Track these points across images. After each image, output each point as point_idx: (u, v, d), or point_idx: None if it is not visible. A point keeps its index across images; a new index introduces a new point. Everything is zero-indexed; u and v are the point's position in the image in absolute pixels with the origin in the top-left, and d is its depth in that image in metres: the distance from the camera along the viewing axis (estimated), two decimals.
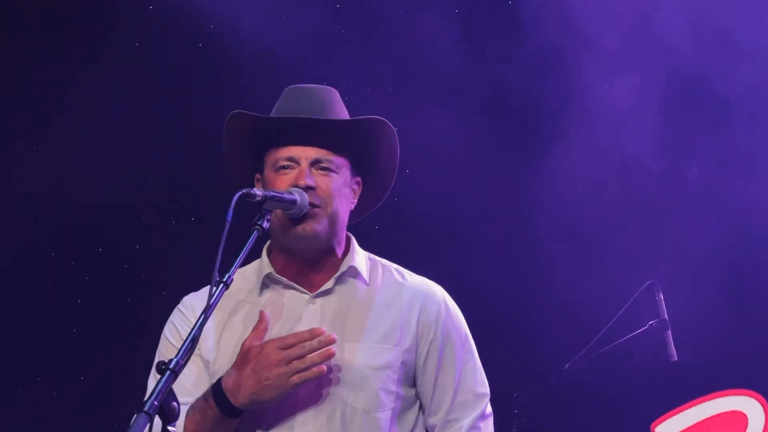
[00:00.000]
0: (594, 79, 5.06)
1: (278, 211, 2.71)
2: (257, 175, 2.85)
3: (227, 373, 2.66)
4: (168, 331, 2.86)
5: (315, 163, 2.77)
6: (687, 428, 4.33)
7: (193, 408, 2.69)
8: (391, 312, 2.83)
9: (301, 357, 2.61)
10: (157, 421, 2.29)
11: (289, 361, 2.61)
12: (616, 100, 5.06)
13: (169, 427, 2.31)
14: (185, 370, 2.38)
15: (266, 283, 2.84)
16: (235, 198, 2.54)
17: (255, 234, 2.59)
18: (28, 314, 5.18)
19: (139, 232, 5.22)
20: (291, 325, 2.77)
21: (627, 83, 5.05)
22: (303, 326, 2.73)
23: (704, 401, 4.34)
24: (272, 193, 2.66)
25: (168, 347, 2.82)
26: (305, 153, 2.78)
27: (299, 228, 2.74)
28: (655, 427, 4.36)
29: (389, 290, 2.87)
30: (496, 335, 4.82)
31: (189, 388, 2.74)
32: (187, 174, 5.14)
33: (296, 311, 2.79)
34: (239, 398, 2.63)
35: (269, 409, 2.71)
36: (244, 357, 2.64)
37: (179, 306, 2.89)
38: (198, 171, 5.07)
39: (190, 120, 5.11)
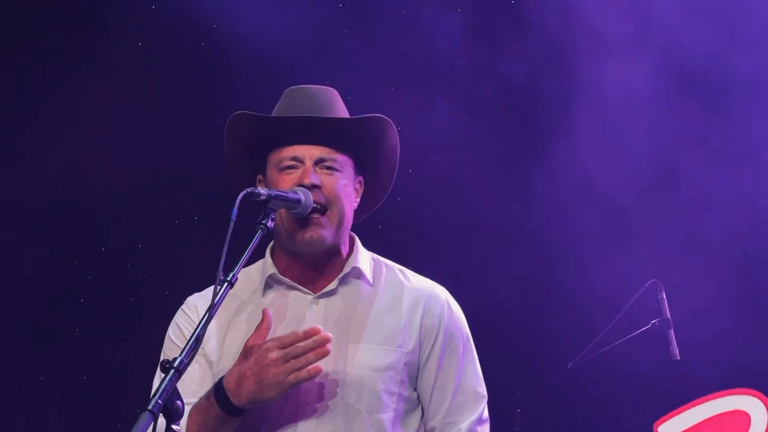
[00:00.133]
0: (597, 74, 5.05)
1: (282, 211, 2.71)
2: (259, 176, 2.85)
3: (229, 372, 2.66)
4: (172, 331, 2.86)
5: (319, 162, 2.77)
6: (690, 428, 4.32)
7: (195, 407, 2.69)
8: (394, 313, 2.83)
9: (297, 356, 2.61)
10: (161, 420, 2.29)
11: (286, 361, 2.61)
12: (618, 96, 5.06)
13: (173, 426, 2.31)
14: (189, 369, 2.38)
15: (269, 283, 2.84)
16: (240, 197, 2.54)
17: (260, 233, 2.59)
18: (31, 314, 5.18)
19: (141, 232, 5.22)
20: (294, 325, 2.76)
21: (629, 77, 5.04)
22: (306, 327, 2.72)
23: (707, 401, 4.34)
24: (277, 192, 2.66)
25: (172, 347, 2.82)
26: (309, 152, 2.77)
27: (306, 235, 2.74)
28: (658, 426, 4.36)
29: (393, 291, 2.86)
30: (499, 334, 4.83)
31: (193, 387, 2.75)
32: (189, 173, 5.14)
33: (300, 312, 2.79)
34: (240, 397, 2.63)
35: (272, 409, 2.71)
36: (245, 356, 2.65)
37: (183, 306, 2.89)
38: (200, 170, 5.07)
39: (192, 119, 5.11)
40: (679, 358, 4.61)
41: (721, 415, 4.31)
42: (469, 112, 5.13)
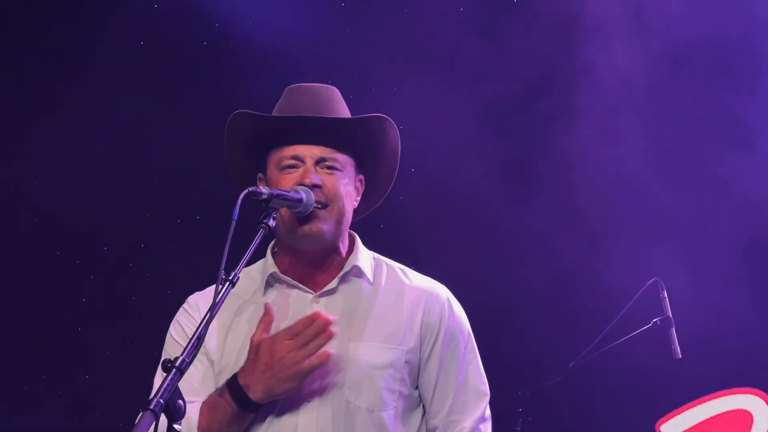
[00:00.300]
0: (598, 67, 5.05)
1: (283, 210, 2.71)
2: (259, 175, 2.85)
3: (242, 368, 2.67)
4: (174, 330, 2.86)
5: (320, 162, 2.77)
6: (692, 427, 4.32)
7: (207, 405, 2.70)
8: (395, 312, 2.83)
9: (307, 344, 2.63)
10: (163, 419, 2.29)
11: (298, 349, 2.62)
12: (619, 89, 5.06)
13: (175, 425, 2.31)
14: (191, 368, 2.38)
15: (270, 282, 2.85)
16: (242, 196, 2.54)
17: (261, 232, 2.59)
18: (33, 313, 5.18)
19: (144, 230, 5.22)
20: None
21: (631, 70, 5.04)
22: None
23: (709, 400, 4.34)
24: (278, 192, 2.66)
25: (174, 346, 2.82)
26: (310, 152, 2.77)
27: (305, 228, 2.74)
28: (660, 425, 4.36)
29: (393, 290, 2.87)
30: (501, 333, 4.83)
31: (196, 386, 2.75)
32: (191, 172, 5.14)
33: (300, 311, 2.79)
34: (257, 392, 2.64)
35: (274, 407, 2.71)
36: (256, 351, 2.65)
37: (184, 305, 2.89)
38: (203, 169, 5.07)
39: (195, 118, 5.11)
40: (680, 356, 4.61)
41: (724, 413, 4.31)
42: (471, 112, 5.13)
